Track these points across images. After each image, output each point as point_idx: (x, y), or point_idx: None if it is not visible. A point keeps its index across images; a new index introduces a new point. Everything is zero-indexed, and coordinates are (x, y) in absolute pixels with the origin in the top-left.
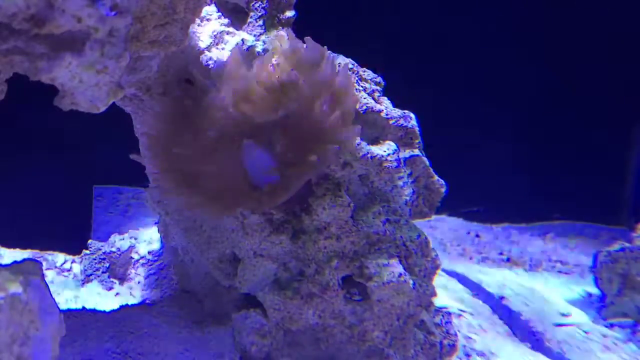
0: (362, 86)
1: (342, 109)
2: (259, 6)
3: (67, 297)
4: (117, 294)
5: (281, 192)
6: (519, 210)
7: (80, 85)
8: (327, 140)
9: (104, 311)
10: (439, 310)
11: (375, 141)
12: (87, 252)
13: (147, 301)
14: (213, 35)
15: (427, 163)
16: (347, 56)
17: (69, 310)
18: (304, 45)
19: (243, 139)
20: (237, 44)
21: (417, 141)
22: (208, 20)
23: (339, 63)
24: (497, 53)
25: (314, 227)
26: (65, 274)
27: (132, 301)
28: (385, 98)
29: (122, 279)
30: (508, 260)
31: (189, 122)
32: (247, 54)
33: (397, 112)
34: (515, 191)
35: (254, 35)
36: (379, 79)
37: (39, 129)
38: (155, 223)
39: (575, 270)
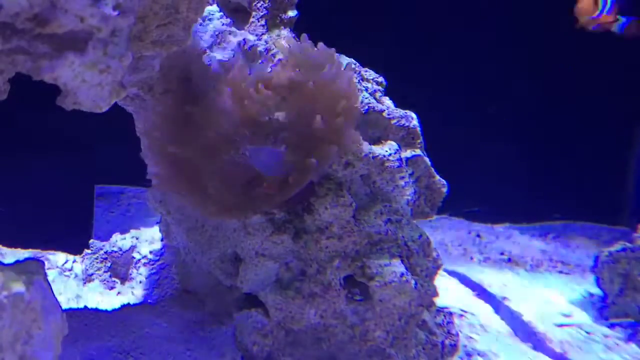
0: (363, 86)
1: (345, 110)
2: (261, 6)
3: (69, 296)
4: (119, 293)
5: (284, 192)
6: (519, 210)
7: (83, 85)
8: (330, 142)
9: (106, 310)
10: (440, 310)
11: (377, 141)
12: (89, 251)
13: (149, 301)
14: (215, 35)
15: (429, 163)
16: (348, 56)
17: (70, 309)
18: (312, 47)
19: (245, 141)
20: (239, 43)
21: (418, 141)
22: (210, 19)
23: (343, 63)
24: (497, 53)
25: (316, 227)
26: (67, 273)
27: (133, 301)
28: (387, 98)
29: (124, 279)
30: (509, 260)
31: (189, 123)
32: (249, 54)
33: (398, 112)
34: (516, 191)
35: (256, 35)
36: (380, 79)
37: (40, 128)
38: (157, 222)
39: (577, 270)
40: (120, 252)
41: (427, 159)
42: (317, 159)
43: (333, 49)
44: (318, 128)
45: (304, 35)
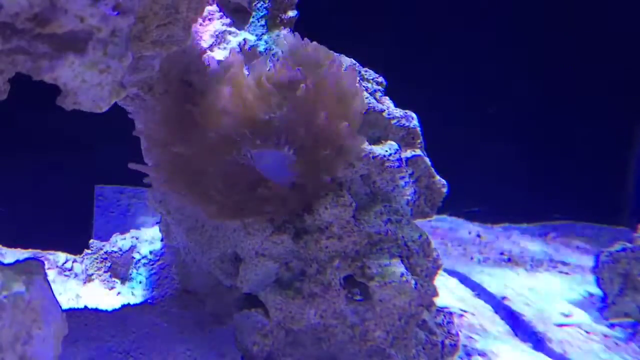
0: (364, 86)
1: (349, 112)
2: (261, 6)
3: (69, 296)
4: (119, 293)
5: (293, 203)
6: (519, 210)
7: (83, 85)
8: (334, 144)
9: (106, 310)
10: (440, 310)
11: (377, 141)
12: (89, 251)
13: (149, 301)
14: (215, 35)
15: (429, 163)
16: (348, 56)
17: (71, 309)
18: (308, 45)
19: (246, 141)
20: (239, 43)
21: (418, 141)
22: (210, 20)
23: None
24: (497, 53)
25: (316, 227)
26: (67, 273)
27: (133, 301)
28: (387, 98)
29: (124, 279)
30: (509, 260)
31: (188, 123)
32: (249, 54)
33: (398, 112)
34: (516, 191)
35: (256, 35)
36: (380, 79)
37: (40, 128)
38: (157, 222)
39: (577, 270)
40: (120, 252)
41: (427, 159)
42: (326, 169)
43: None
44: (322, 129)
45: (296, 34)
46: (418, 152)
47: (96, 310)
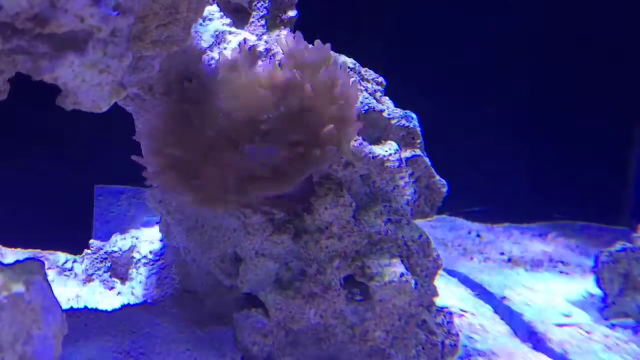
0: (363, 86)
1: (342, 108)
2: (261, 6)
3: (69, 296)
4: (119, 293)
5: (281, 181)
6: (519, 210)
7: (83, 85)
8: (327, 140)
9: (106, 310)
10: (440, 310)
11: (377, 141)
12: (89, 251)
13: (149, 301)
14: (215, 35)
15: (429, 163)
16: (348, 56)
17: (70, 309)
18: (309, 46)
19: (243, 140)
20: (239, 43)
21: (418, 141)
22: (210, 19)
23: (342, 62)
24: (497, 53)
25: (316, 227)
26: (67, 273)
27: (133, 301)
28: (387, 98)
29: (124, 279)
30: (509, 260)
31: (188, 122)
32: (249, 54)
33: (398, 112)
34: (516, 191)
35: (256, 35)
36: (380, 79)
37: (40, 128)
38: (157, 223)
39: (577, 270)
40: (120, 252)
41: (427, 159)
42: (318, 153)
43: (328, 45)
44: (319, 130)
45: (298, 33)
46: (418, 152)
47: (96, 310)
